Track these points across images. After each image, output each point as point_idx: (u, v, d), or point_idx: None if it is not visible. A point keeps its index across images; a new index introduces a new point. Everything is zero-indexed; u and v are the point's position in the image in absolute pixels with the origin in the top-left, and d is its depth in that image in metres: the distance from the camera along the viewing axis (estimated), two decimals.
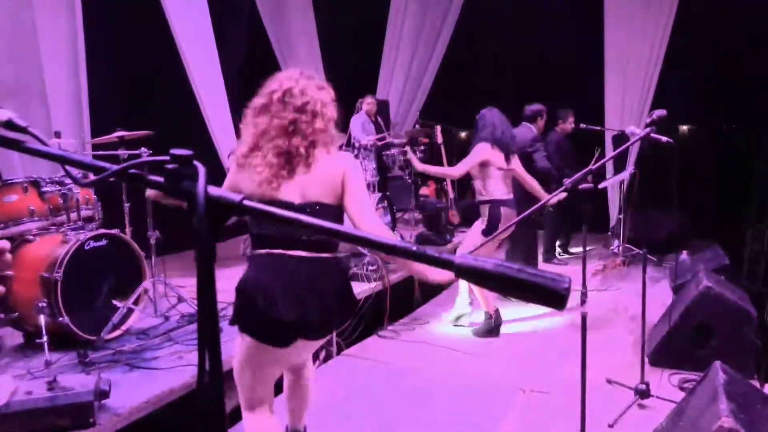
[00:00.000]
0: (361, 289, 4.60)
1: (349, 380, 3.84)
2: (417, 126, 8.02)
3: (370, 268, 4.79)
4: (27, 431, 2.38)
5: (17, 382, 2.60)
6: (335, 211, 2.10)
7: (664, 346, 3.86)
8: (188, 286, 4.17)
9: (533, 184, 4.46)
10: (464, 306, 4.80)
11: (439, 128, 6.01)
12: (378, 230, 2.15)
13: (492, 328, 4.53)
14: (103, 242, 3.52)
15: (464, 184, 7.05)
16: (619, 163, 6.96)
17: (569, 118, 6.42)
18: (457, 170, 4.39)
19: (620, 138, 6.19)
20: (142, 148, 3.81)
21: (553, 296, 0.54)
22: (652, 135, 2.92)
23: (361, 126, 7.42)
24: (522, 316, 4.85)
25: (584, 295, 2.58)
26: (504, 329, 4.57)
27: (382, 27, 8.87)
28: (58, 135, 3.83)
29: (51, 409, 2.42)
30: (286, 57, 7.70)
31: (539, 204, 2.67)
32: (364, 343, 4.49)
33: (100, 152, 4.03)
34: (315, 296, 2.05)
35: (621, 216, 6.67)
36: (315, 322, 2.08)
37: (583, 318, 2.56)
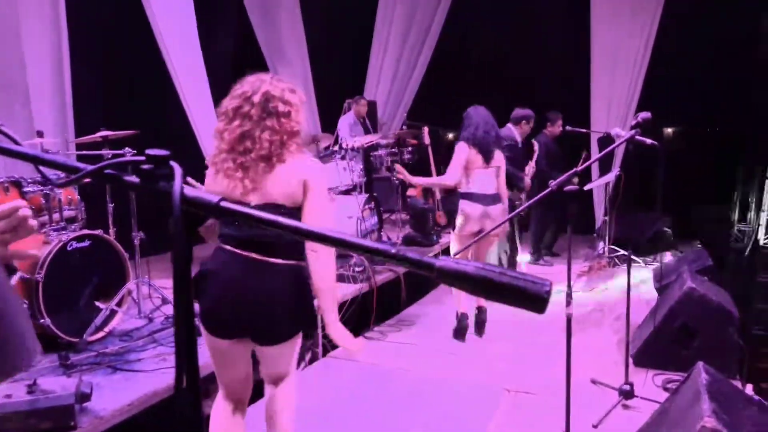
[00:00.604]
0: (347, 290, 4.59)
1: (335, 382, 3.82)
2: (404, 127, 8.02)
3: (356, 269, 4.78)
4: None
5: None
6: (289, 215, 2.07)
7: (648, 346, 3.88)
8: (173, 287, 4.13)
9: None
10: None
11: (426, 129, 6.01)
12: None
13: (456, 329, 4.54)
14: (86, 243, 3.47)
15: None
16: (605, 165, 7.00)
17: (558, 121, 6.45)
18: (450, 177, 4.32)
19: (606, 140, 6.23)
20: (126, 148, 3.77)
21: (534, 300, 0.53)
22: (637, 137, 2.94)
23: (349, 127, 7.41)
24: (507, 316, 4.86)
25: (569, 296, 2.59)
26: (489, 329, 4.57)
27: (370, 28, 8.86)
28: (40, 134, 3.79)
29: (31, 412, 2.38)
30: (274, 59, 7.66)
31: (521, 207, 2.67)
32: None
33: (84, 152, 3.98)
34: (255, 299, 2.07)
35: (606, 217, 6.71)
36: (255, 325, 2.12)
37: (568, 319, 2.57)
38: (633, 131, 2.90)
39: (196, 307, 2.13)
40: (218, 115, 2.15)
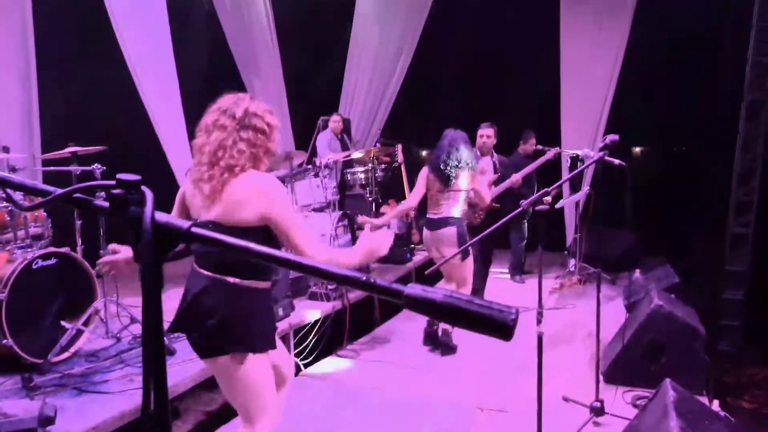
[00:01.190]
0: (321, 308, 4.56)
1: (308, 401, 3.78)
2: (378, 145, 8.06)
3: (329, 287, 4.76)
4: None
5: None
6: (240, 233, 2.02)
7: (617, 363, 3.94)
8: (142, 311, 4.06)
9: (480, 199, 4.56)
10: None
11: (400, 147, 6.06)
12: (326, 256, 2.13)
13: (426, 333, 4.68)
14: (52, 261, 3.40)
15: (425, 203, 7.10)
16: (576, 184, 7.12)
17: (530, 139, 6.55)
18: (409, 201, 4.59)
19: (576, 160, 6.34)
20: (95, 165, 3.71)
21: (500, 328, 0.54)
22: (606, 158, 3.01)
23: (327, 143, 7.41)
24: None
25: (540, 314, 2.62)
26: (462, 347, 4.59)
27: (345, 45, 8.92)
28: (6, 150, 3.71)
29: None
30: (248, 74, 7.65)
31: (494, 227, 2.71)
32: (322, 363, 4.44)
33: (52, 168, 3.91)
34: (196, 314, 2.08)
35: (577, 235, 6.81)
36: (192, 338, 2.13)
37: (539, 337, 2.59)
38: (601, 153, 2.97)
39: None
40: (197, 131, 2.17)
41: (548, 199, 3.50)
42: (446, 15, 8.60)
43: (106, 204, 0.69)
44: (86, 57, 5.67)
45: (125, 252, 2.18)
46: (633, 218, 6.74)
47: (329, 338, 4.55)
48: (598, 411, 3.38)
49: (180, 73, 5.98)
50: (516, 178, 5.46)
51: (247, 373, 2.09)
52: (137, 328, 3.77)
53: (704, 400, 3.50)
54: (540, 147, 6.34)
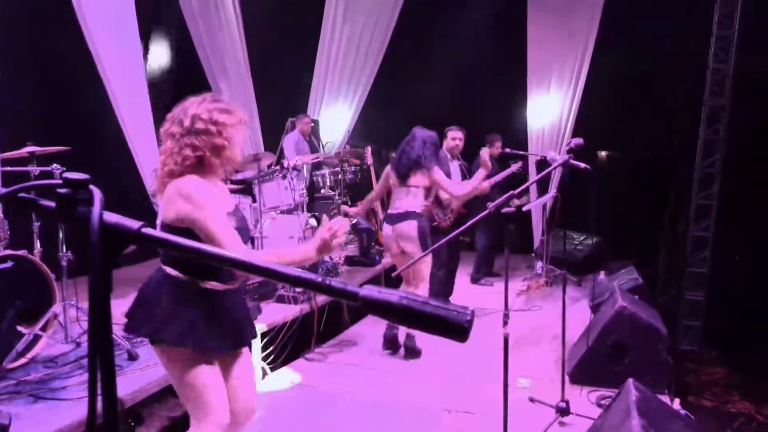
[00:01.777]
0: (288, 311, 4.52)
1: (275, 405, 3.74)
2: (347, 147, 8.03)
3: (296, 290, 4.72)
4: None
5: None
6: (176, 233, 2.05)
7: (583, 364, 3.99)
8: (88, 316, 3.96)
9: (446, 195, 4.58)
10: None
11: (369, 149, 6.04)
12: (265, 256, 2.17)
13: (385, 337, 4.69)
14: (9, 264, 3.28)
15: None
16: (542, 187, 7.22)
17: (496, 142, 6.60)
18: (372, 193, 4.87)
19: (542, 163, 6.43)
20: (55, 165, 3.60)
21: (456, 329, 0.53)
22: (571, 162, 3.05)
23: (294, 145, 7.36)
24: None
25: (506, 316, 2.63)
26: (429, 349, 4.59)
27: (314, 46, 8.88)
28: None
29: None
30: (216, 76, 7.54)
31: (460, 229, 2.72)
32: (290, 366, 4.40)
33: (9, 168, 3.78)
34: (136, 301, 2.19)
35: (544, 237, 6.90)
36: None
37: (506, 339, 2.61)
38: (567, 156, 3.01)
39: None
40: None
41: (516, 201, 3.53)
42: (415, 18, 8.64)
43: (53, 204, 0.66)
44: (50, 53, 5.52)
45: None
46: (598, 221, 6.85)
47: (297, 342, 4.50)
48: (563, 411, 3.42)
49: (147, 73, 5.87)
50: (485, 186, 5.54)
51: (179, 368, 2.11)
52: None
53: (666, 398, 3.57)
54: (507, 150, 6.40)
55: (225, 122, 2.14)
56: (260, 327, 4.34)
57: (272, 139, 7.81)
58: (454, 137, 5.51)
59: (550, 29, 7.41)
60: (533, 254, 7.55)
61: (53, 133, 4.16)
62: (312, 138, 7.71)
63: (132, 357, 3.49)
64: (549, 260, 6.77)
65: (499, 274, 7.07)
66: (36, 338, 3.36)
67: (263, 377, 4.14)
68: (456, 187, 4.49)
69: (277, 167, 5.68)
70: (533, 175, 7.21)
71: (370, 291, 0.55)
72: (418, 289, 4.42)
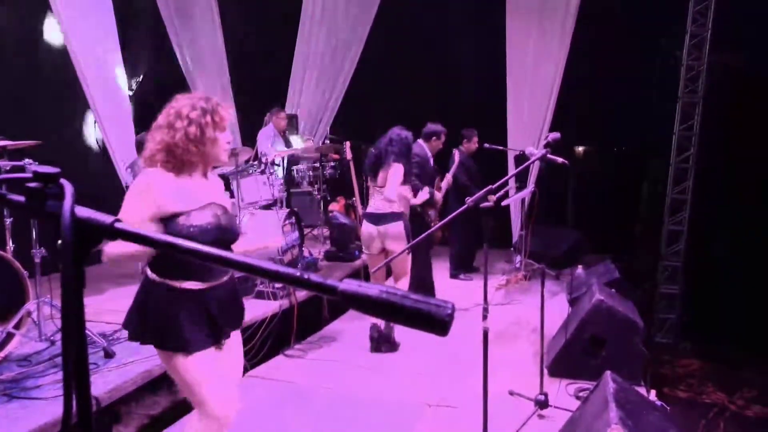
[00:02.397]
0: (267, 308, 4.49)
1: (255, 402, 3.71)
2: (326, 141, 7.99)
3: (276, 285, 4.69)
4: None
5: None
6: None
7: (561, 357, 4.03)
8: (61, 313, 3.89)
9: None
10: None
11: (348, 144, 6.01)
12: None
13: (371, 339, 4.61)
14: None
15: None
16: (521, 182, 7.27)
17: (473, 137, 6.62)
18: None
19: (521, 158, 6.46)
20: (26, 160, 3.53)
21: (436, 323, 0.53)
22: (548, 156, 3.07)
23: (269, 140, 7.29)
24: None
25: (486, 310, 2.64)
26: (409, 344, 4.60)
27: (292, 40, 8.81)
28: None
29: None
30: (192, 70, 7.44)
31: (439, 224, 2.72)
32: (270, 363, 4.37)
33: None
34: (133, 306, 2.22)
35: (523, 232, 6.95)
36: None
37: (485, 333, 2.62)
38: (544, 150, 3.03)
39: None
40: None
41: (493, 197, 3.55)
42: (394, 12, 8.62)
43: (22, 198, 0.64)
44: (23, 45, 5.40)
45: None
46: (576, 216, 6.93)
47: (276, 338, 4.48)
48: (542, 404, 3.45)
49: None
50: (447, 178, 5.62)
51: (174, 368, 2.15)
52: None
53: (642, 390, 3.62)
54: (486, 145, 6.43)
55: (207, 120, 2.14)
56: (261, 313, 4.32)
57: (250, 134, 7.74)
58: (444, 141, 5.62)
59: (529, 24, 7.44)
60: (512, 249, 7.59)
61: (25, 128, 4.07)
62: (286, 133, 7.65)
63: (108, 355, 3.44)
64: (527, 254, 6.82)
65: (478, 268, 7.11)
66: (9, 336, 3.29)
67: (243, 374, 4.10)
68: (394, 193, 4.30)
69: (255, 162, 5.63)
70: (512, 170, 7.26)
71: (350, 285, 0.55)
72: (399, 283, 4.43)
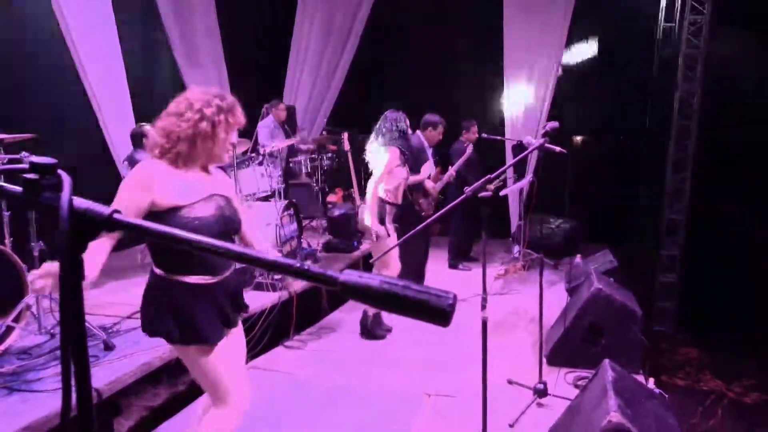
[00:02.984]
0: (266, 299, 4.49)
1: (255, 393, 3.71)
2: (324, 133, 7.97)
3: (275, 277, 4.69)
4: None
5: None
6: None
7: (560, 346, 4.05)
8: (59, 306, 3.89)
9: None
10: None
11: (346, 135, 5.99)
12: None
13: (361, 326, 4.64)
14: None
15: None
16: (520, 172, 7.26)
17: (472, 128, 6.61)
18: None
19: (519, 148, 6.44)
20: (23, 153, 3.51)
21: (437, 313, 0.53)
22: (546, 145, 3.06)
23: (269, 131, 7.27)
24: None
25: (484, 300, 2.64)
26: (408, 333, 4.61)
27: (289, 31, 8.77)
28: None
29: None
30: (188, 62, 7.39)
31: (437, 215, 2.72)
32: (269, 354, 4.38)
33: None
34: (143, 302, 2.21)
35: (521, 222, 6.95)
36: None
37: (484, 323, 2.62)
38: (542, 139, 3.02)
39: None
40: None
41: (491, 186, 3.54)
42: (391, 3, 8.58)
43: (19, 189, 0.63)
44: (19, 37, 5.36)
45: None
46: (574, 205, 6.93)
47: (276, 329, 4.48)
48: (541, 393, 3.47)
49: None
50: (452, 171, 5.59)
51: (196, 362, 2.16)
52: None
53: (641, 378, 3.64)
54: (484, 135, 6.42)
55: (221, 119, 2.11)
56: (260, 304, 4.33)
57: (247, 125, 7.70)
58: (442, 131, 5.58)
59: (527, 16, 7.42)
60: (510, 239, 7.60)
61: (22, 120, 4.05)
62: (285, 124, 7.63)
63: (108, 347, 3.44)
64: (526, 244, 6.83)
65: (476, 258, 7.12)
66: (9, 330, 3.29)
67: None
68: (382, 179, 4.25)
69: (253, 154, 5.61)
70: (510, 160, 7.25)
71: (350, 276, 0.55)
72: (389, 270, 4.43)
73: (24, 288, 3.42)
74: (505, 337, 4.71)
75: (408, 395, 3.68)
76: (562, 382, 3.79)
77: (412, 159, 5.19)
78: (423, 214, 5.09)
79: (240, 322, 2.41)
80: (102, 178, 5.62)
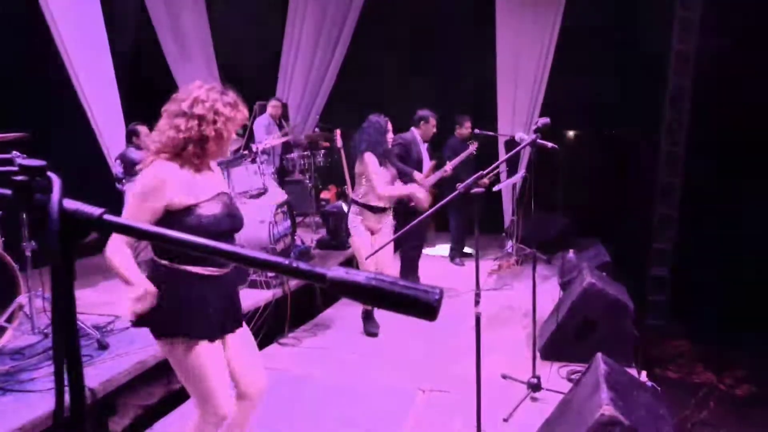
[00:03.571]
0: (260, 296, 4.50)
1: None
2: (317, 130, 7.96)
3: (269, 274, 4.69)
4: None
5: None
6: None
7: (553, 340, 4.07)
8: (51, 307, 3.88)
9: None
10: None
11: (338, 132, 6.00)
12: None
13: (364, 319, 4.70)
14: None
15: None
16: (513, 167, 7.28)
17: (465, 123, 6.62)
18: None
19: (512, 143, 6.46)
20: (14, 152, 3.50)
21: (424, 309, 0.54)
22: (538, 141, 3.08)
23: (265, 129, 7.26)
24: None
25: (478, 295, 2.66)
26: (402, 330, 4.63)
27: (281, 26, 8.74)
28: None
29: None
30: (177, 59, 7.36)
31: (431, 210, 2.73)
32: (264, 351, 4.38)
33: None
34: None
35: (514, 217, 6.98)
36: None
37: (478, 318, 2.64)
38: (534, 135, 3.03)
39: None
40: None
41: (485, 181, 3.56)
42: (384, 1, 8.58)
43: (8, 191, 0.64)
44: (4, 34, 5.32)
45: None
46: (566, 200, 6.96)
47: (270, 326, 4.49)
48: (535, 387, 3.49)
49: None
50: (448, 167, 5.58)
51: (177, 356, 2.12)
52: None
53: (633, 371, 3.67)
54: (477, 131, 6.43)
55: (226, 115, 2.10)
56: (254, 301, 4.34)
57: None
58: (435, 124, 5.60)
59: (518, 10, 7.43)
60: (504, 234, 7.62)
61: (11, 120, 4.02)
62: (281, 121, 7.63)
63: (102, 346, 3.44)
64: (519, 239, 6.86)
65: (470, 254, 7.14)
66: (1, 330, 3.28)
67: None
68: (381, 184, 4.28)
69: (246, 151, 5.61)
70: (502, 156, 7.27)
71: (338, 272, 0.55)
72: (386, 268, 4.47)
73: (17, 288, 3.41)
74: (499, 331, 4.73)
75: (402, 391, 3.70)
76: (556, 376, 3.81)
77: (403, 151, 5.22)
78: (412, 204, 5.10)
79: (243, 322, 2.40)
80: (93, 176, 5.61)
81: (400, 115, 4.55)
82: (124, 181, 5.13)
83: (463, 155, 5.74)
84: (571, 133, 9.10)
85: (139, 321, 2.08)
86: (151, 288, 1.99)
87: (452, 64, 8.51)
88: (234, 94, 2.17)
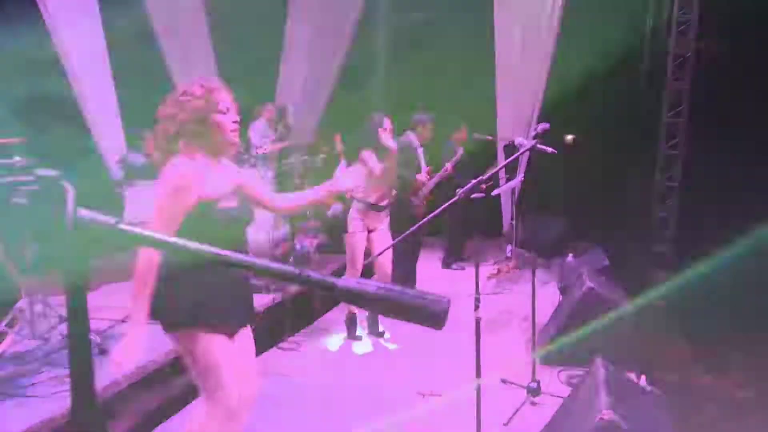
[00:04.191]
0: (260, 301, 4.50)
1: None
2: (316, 134, 7.95)
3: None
4: None
5: None
6: None
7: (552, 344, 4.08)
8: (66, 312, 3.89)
9: None
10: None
11: (338, 137, 6.01)
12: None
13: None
14: None
15: None
16: (511, 172, 7.30)
17: (463, 128, 6.63)
18: None
19: (510, 148, 6.47)
20: (16, 157, 3.49)
21: (433, 317, 0.55)
22: (538, 146, 3.10)
23: (260, 133, 7.27)
24: None
25: (478, 300, 2.67)
26: (402, 335, 4.63)
27: (282, 29, 8.74)
28: None
29: None
30: (177, 62, 7.37)
31: (430, 216, 2.74)
32: (263, 356, 4.38)
33: None
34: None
35: (513, 221, 6.99)
36: None
37: (477, 322, 2.65)
38: (534, 141, 3.05)
39: None
40: None
41: (484, 186, 3.57)
42: (383, 4, 8.60)
43: (24, 200, 0.65)
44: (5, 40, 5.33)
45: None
46: (565, 204, 6.97)
47: (270, 331, 4.49)
48: (534, 391, 3.50)
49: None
50: (449, 166, 5.60)
51: (196, 346, 2.11)
52: (66, 328, 3.61)
53: (633, 375, 3.67)
54: (476, 135, 6.45)
55: (217, 99, 2.16)
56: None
57: (239, 126, 7.67)
58: (432, 128, 5.61)
59: (517, 15, 7.46)
60: (503, 237, 7.63)
61: (8, 124, 4.04)
62: (279, 126, 7.63)
63: (103, 351, 3.44)
64: (518, 244, 6.86)
65: (469, 258, 7.14)
66: (1, 335, 3.29)
67: None
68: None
69: (245, 155, 5.62)
70: (501, 161, 7.28)
71: (348, 282, 0.56)
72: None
73: (17, 293, 3.42)
74: (498, 336, 4.73)
75: (401, 395, 3.70)
76: (555, 380, 3.82)
77: (403, 159, 5.23)
78: (414, 201, 5.14)
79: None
80: (91, 180, 5.61)
81: (399, 119, 4.56)
82: (124, 186, 5.13)
83: (457, 156, 5.77)
84: (569, 137, 9.12)
85: (156, 313, 2.06)
86: (132, 347, 1.98)
87: (450, 67, 8.52)
88: (215, 79, 2.27)
